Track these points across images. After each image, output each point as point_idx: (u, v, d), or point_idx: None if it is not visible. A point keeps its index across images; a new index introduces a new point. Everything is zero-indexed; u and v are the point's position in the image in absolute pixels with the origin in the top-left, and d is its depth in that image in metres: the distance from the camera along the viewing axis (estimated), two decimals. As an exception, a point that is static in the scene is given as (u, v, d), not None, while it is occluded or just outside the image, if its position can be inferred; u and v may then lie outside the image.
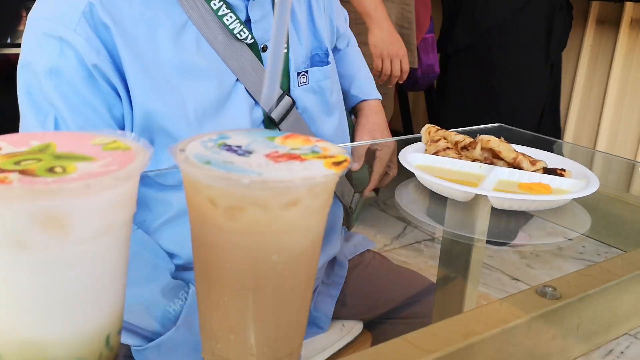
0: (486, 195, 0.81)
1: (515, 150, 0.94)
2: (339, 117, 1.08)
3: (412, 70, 2.11)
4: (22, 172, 0.35)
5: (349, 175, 1.08)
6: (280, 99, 0.94)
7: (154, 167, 0.82)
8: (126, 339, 0.84)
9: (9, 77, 0.89)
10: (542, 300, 0.59)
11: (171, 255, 0.89)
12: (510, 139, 0.98)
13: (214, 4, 0.86)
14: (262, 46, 0.92)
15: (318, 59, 1.03)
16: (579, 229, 0.85)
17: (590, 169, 0.93)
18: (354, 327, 1.16)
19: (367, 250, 1.20)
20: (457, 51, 2.50)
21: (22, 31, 0.89)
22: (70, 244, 0.35)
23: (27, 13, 0.94)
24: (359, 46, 1.35)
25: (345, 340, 1.11)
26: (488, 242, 0.87)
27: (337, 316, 1.13)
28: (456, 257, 0.91)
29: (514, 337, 0.57)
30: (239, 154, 0.39)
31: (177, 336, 0.85)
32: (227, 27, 0.87)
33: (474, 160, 0.94)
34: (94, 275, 0.37)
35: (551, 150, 1.02)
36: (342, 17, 1.23)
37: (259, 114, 0.92)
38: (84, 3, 0.79)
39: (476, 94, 2.51)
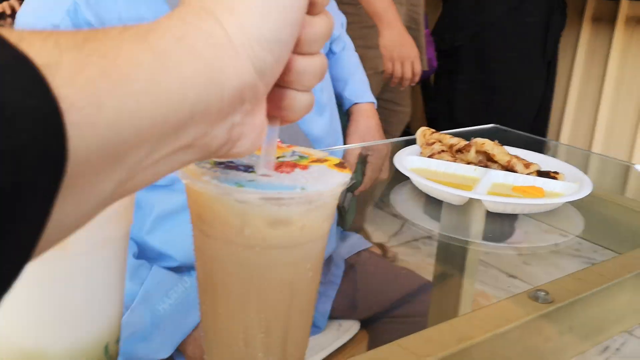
0: (480, 199, 0.82)
1: (509, 153, 0.95)
2: (330, 116, 1.09)
3: None
4: (22, 186, 0.35)
5: None
6: None
7: None
8: None
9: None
10: (534, 304, 0.60)
11: (163, 257, 0.89)
12: (505, 140, 0.99)
13: None
14: None
15: None
16: (572, 231, 0.86)
17: (585, 170, 0.94)
18: (351, 327, 1.17)
19: (364, 251, 1.20)
20: (453, 49, 2.51)
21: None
22: (68, 257, 0.36)
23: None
24: (366, 50, 1.36)
25: (342, 340, 1.12)
26: (482, 250, 0.88)
27: (333, 316, 1.14)
28: (452, 255, 0.92)
29: (507, 341, 0.57)
30: (243, 170, 0.39)
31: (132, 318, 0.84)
32: None
33: (468, 163, 0.94)
34: (92, 287, 0.38)
35: (546, 152, 1.03)
36: (338, 21, 1.24)
37: None
38: (69, 2, 0.80)
39: (472, 92, 2.51)
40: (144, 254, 0.88)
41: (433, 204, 0.89)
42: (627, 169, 1.31)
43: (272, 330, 0.41)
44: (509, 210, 0.84)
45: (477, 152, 0.95)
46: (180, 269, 0.90)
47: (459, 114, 2.51)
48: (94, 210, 0.26)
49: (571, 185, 0.87)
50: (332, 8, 1.18)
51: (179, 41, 0.27)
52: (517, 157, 0.94)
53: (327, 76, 1.12)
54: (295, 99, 0.36)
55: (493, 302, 0.62)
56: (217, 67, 0.29)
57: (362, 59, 1.60)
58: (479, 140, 0.96)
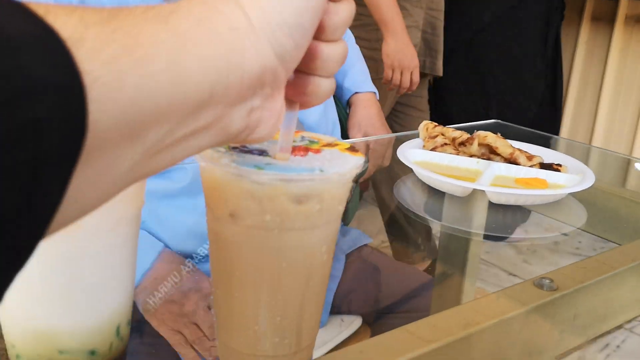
0: (483, 190, 0.82)
1: (512, 145, 0.95)
2: (324, 105, 1.09)
3: None
4: (35, 167, 0.36)
5: None
6: None
7: None
8: None
9: None
10: (539, 292, 0.60)
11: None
12: (507, 135, 0.99)
13: None
14: None
15: None
16: (575, 223, 0.86)
17: (586, 164, 0.94)
18: (353, 322, 1.17)
19: (365, 245, 1.21)
20: (453, 48, 2.51)
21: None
22: (82, 237, 0.36)
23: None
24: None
25: (345, 335, 1.12)
26: (485, 237, 0.88)
27: (336, 311, 1.14)
28: (454, 252, 0.92)
29: (511, 328, 0.58)
30: (258, 154, 0.39)
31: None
32: None
33: (471, 156, 0.95)
34: (105, 268, 0.38)
35: (547, 146, 1.04)
36: None
37: None
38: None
39: (472, 91, 2.52)
40: None
41: (436, 196, 0.89)
42: (627, 162, 1.32)
43: (288, 313, 0.41)
44: (512, 201, 0.84)
45: (480, 144, 0.95)
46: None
47: (459, 114, 2.52)
48: (111, 190, 0.26)
49: (574, 177, 0.88)
50: None
51: (199, 23, 0.28)
52: (519, 149, 0.94)
53: None
54: (320, 85, 0.36)
55: (498, 290, 0.63)
56: (238, 51, 0.29)
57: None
58: (482, 133, 0.96)
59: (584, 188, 0.83)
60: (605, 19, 2.98)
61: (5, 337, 0.40)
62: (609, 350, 2.17)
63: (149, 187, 0.85)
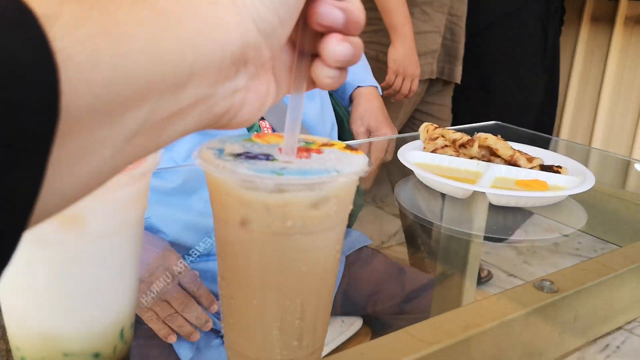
0: (484, 192, 0.83)
1: (512, 147, 0.96)
2: (321, 105, 1.09)
3: None
4: (40, 171, 0.36)
5: None
6: None
7: None
8: None
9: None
10: (539, 293, 0.60)
11: (155, 231, 0.90)
12: (507, 136, 0.99)
13: None
14: None
15: None
16: (575, 225, 0.86)
17: (586, 165, 0.94)
18: (354, 323, 1.17)
19: (365, 247, 1.21)
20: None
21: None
22: (87, 240, 0.37)
23: None
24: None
25: (345, 336, 1.12)
26: (485, 238, 0.88)
27: (336, 312, 1.14)
28: (454, 253, 0.92)
29: (512, 329, 0.58)
30: (265, 159, 0.39)
31: None
32: None
33: (471, 158, 0.95)
34: (109, 270, 0.39)
35: (547, 148, 1.04)
36: None
37: None
38: None
39: (473, 93, 2.52)
40: None
41: (437, 197, 0.89)
42: (626, 164, 1.32)
43: (306, 314, 0.42)
44: (512, 203, 0.84)
45: (480, 146, 0.96)
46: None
47: (459, 116, 2.52)
48: (94, 178, 0.25)
49: (574, 179, 0.88)
50: None
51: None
52: (520, 151, 0.95)
53: None
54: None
55: (499, 291, 0.63)
56: (218, 26, 0.28)
57: None
58: (482, 135, 0.96)
59: (584, 190, 0.83)
60: (605, 19, 2.98)
61: (10, 339, 0.40)
62: (608, 351, 2.17)
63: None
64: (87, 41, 0.22)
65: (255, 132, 1.01)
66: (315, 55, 0.36)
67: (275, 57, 0.33)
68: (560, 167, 0.93)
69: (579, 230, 0.85)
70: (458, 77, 2.06)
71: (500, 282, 2.26)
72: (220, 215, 0.40)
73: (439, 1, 1.91)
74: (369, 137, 1.21)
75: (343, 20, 0.34)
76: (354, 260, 1.18)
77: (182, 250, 0.90)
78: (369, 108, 1.23)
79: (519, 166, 0.92)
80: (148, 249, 0.87)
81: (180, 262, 0.85)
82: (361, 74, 1.27)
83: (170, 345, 0.88)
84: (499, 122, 1.37)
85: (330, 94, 1.26)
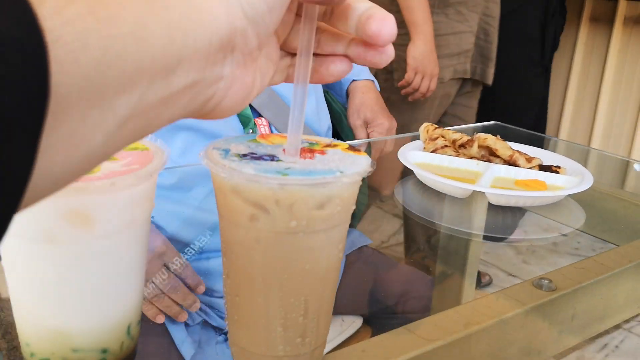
0: (483, 192, 0.84)
1: (511, 148, 0.96)
2: (317, 102, 1.11)
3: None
4: (50, 171, 0.37)
5: None
6: None
7: None
8: None
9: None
10: (538, 292, 0.61)
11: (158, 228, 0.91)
12: (506, 136, 1.00)
13: None
14: None
15: None
16: (573, 224, 0.87)
17: (585, 166, 0.95)
18: (354, 322, 1.18)
19: (365, 247, 1.22)
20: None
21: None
22: (95, 238, 0.37)
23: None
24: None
25: (346, 335, 1.13)
26: (485, 238, 0.89)
27: (336, 311, 1.15)
28: (454, 253, 0.93)
29: (511, 327, 0.59)
30: (270, 160, 0.40)
31: None
32: None
33: (471, 158, 0.96)
34: (117, 268, 0.40)
35: (547, 148, 1.05)
36: None
37: None
38: None
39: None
40: None
41: (436, 197, 0.90)
42: (625, 164, 1.33)
43: (309, 311, 0.42)
44: (511, 202, 0.85)
45: (480, 147, 0.97)
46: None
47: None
48: (85, 163, 0.25)
49: (573, 179, 0.89)
50: None
51: None
52: (519, 151, 0.95)
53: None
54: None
55: (498, 290, 0.64)
56: (207, 12, 0.28)
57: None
58: (482, 135, 0.97)
59: (582, 190, 0.84)
60: (604, 19, 2.99)
61: (20, 336, 0.41)
62: (607, 350, 2.18)
63: None
64: (76, 21, 0.22)
65: (251, 130, 1.02)
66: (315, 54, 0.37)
67: (262, 47, 0.33)
68: (559, 167, 0.94)
69: (577, 229, 0.86)
70: (490, 78, 2.04)
71: (500, 282, 2.26)
72: (226, 214, 0.41)
73: (473, 1, 1.90)
74: (366, 129, 1.21)
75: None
76: (354, 260, 1.19)
77: (179, 245, 0.91)
78: (364, 100, 1.24)
79: (518, 166, 0.93)
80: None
81: (176, 260, 0.86)
82: (356, 68, 1.28)
83: (173, 343, 0.89)
84: (499, 123, 1.38)
85: (326, 90, 1.27)
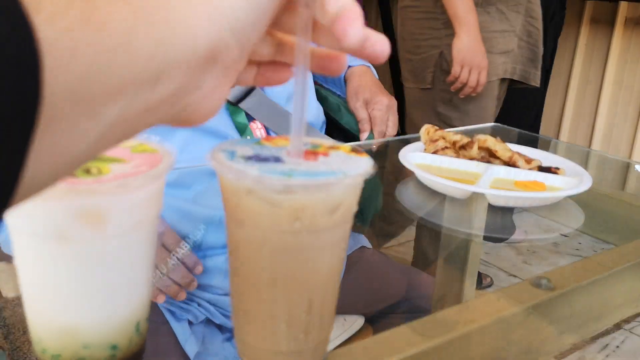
0: (483, 193, 0.85)
1: (510, 149, 0.97)
2: (311, 100, 1.12)
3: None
4: (62, 172, 0.38)
5: None
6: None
7: None
8: None
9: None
10: (537, 291, 0.62)
11: None
12: (506, 138, 1.01)
13: None
14: None
15: None
16: (573, 225, 0.88)
17: (585, 167, 0.96)
18: (355, 321, 1.19)
19: (367, 247, 1.23)
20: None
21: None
22: (107, 237, 0.39)
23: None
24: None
25: (347, 334, 1.14)
26: (485, 238, 0.90)
27: (338, 311, 1.16)
28: (454, 253, 0.94)
29: (510, 325, 0.60)
30: (274, 162, 0.41)
31: None
32: None
33: (471, 159, 0.97)
34: (127, 266, 0.41)
35: (546, 149, 1.06)
36: None
37: None
38: None
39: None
40: None
41: (437, 198, 0.91)
42: (625, 165, 1.34)
43: (313, 309, 0.44)
44: (511, 203, 0.86)
45: (480, 148, 0.98)
46: None
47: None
48: (67, 169, 0.26)
49: (571, 180, 0.90)
50: None
51: None
52: (518, 153, 0.97)
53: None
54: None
55: (497, 286, 0.65)
56: (192, 24, 0.28)
57: None
58: (482, 136, 0.98)
59: (581, 191, 0.85)
60: (605, 21, 3.00)
61: (32, 332, 0.42)
62: (608, 350, 2.18)
63: None
64: (69, 32, 0.23)
65: (248, 137, 1.03)
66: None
67: (242, 59, 0.33)
68: (558, 169, 0.95)
69: (576, 230, 0.87)
70: (532, 80, 2.01)
71: (500, 283, 2.27)
72: (232, 214, 0.42)
73: (515, 0, 1.88)
74: (366, 110, 1.21)
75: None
76: (354, 260, 1.20)
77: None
78: (361, 82, 1.25)
79: (517, 167, 0.94)
80: None
81: (174, 240, 0.87)
82: (352, 56, 1.30)
83: (177, 341, 0.90)
84: (498, 124, 1.39)
85: (320, 85, 1.28)
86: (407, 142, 1.05)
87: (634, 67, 2.91)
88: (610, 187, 1.11)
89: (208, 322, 0.98)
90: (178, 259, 0.86)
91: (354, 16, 0.33)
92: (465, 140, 1.00)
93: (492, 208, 0.88)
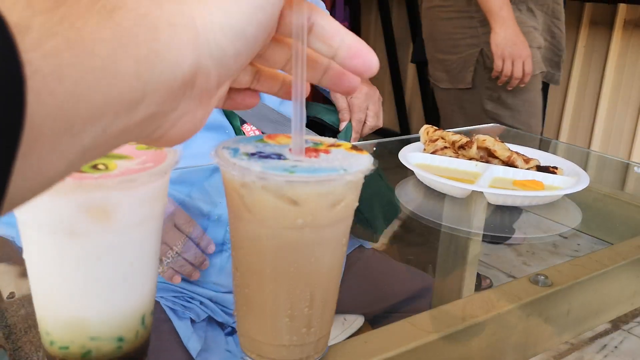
0: (482, 192, 0.86)
1: (509, 149, 0.98)
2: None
3: None
4: (70, 168, 0.39)
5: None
6: None
7: None
8: None
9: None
10: (534, 287, 0.63)
11: None
12: (505, 138, 1.02)
13: None
14: None
15: None
16: (570, 223, 0.89)
17: (584, 168, 0.97)
18: (355, 321, 1.20)
19: (366, 247, 1.23)
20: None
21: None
22: (113, 232, 0.40)
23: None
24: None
25: (347, 333, 1.15)
26: (484, 236, 0.91)
27: (338, 310, 1.17)
28: (454, 251, 0.95)
29: (508, 321, 0.61)
30: (277, 159, 0.42)
31: None
32: None
33: (470, 159, 0.98)
34: (133, 260, 0.42)
35: (545, 150, 1.07)
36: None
37: None
38: None
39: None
40: None
41: (436, 197, 0.92)
42: (624, 166, 1.35)
43: (315, 303, 0.45)
44: (509, 202, 0.87)
45: (479, 148, 0.99)
46: None
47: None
48: (42, 189, 0.26)
49: (569, 179, 0.91)
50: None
51: (142, 19, 0.27)
52: (517, 152, 0.98)
53: None
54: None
55: (496, 285, 0.66)
56: (174, 48, 0.29)
57: None
58: (481, 136, 0.99)
59: (578, 189, 0.86)
60: (604, 23, 3.01)
61: (40, 325, 0.43)
62: (606, 351, 2.19)
63: None
64: (54, 55, 0.23)
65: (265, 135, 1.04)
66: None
67: (220, 87, 0.34)
68: (556, 168, 0.96)
69: (574, 229, 0.88)
70: (553, 80, 2.02)
71: (500, 283, 2.28)
72: (235, 210, 0.43)
73: (543, 0, 1.89)
74: (346, 100, 1.21)
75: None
76: (354, 260, 1.20)
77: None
78: None
79: (516, 167, 0.95)
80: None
81: (185, 220, 0.88)
82: None
83: (179, 339, 0.91)
84: (497, 124, 1.40)
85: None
86: (406, 142, 1.06)
87: (633, 68, 2.92)
88: (609, 187, 1.12)
89: (210, 320, 0.99)
90: (190, 238, 0.87)
91: (367, 49, 0.37)
92: (464, 140, 1.01)
93: (490, 207, 0.89)
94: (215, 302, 0.97)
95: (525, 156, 0.97)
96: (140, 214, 0.41)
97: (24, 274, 0.65)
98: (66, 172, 0.26)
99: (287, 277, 0.43)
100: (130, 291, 0.43)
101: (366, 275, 1.20)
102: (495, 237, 0.87)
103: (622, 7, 2.92)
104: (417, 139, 1.09)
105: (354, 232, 0.47)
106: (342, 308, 1.16)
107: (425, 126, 1.08)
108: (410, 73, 4.08)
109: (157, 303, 0.89)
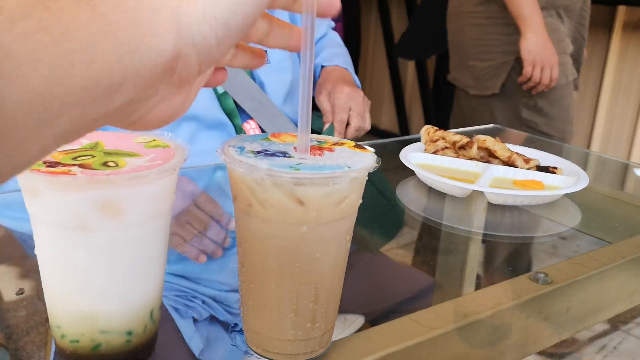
0: (482, 191, 0.87)
1: (509, 149, 0.99)
2: (292, 77, 1.15)
3: None
4: (81, 166, 0.40)
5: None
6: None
7: None
8: None
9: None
10: (534, 285, 0.64)
11: None
12: (505, 138, 1.03)
13: None
14: None
15: None
16: (570, 223, 0.90)
17: (584, 168, 0.98)
18: (356, 320, 1.20)
19: (367, 248, 1.24)
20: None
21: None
22: (124, 227, 0.41)
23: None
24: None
25: (348, 333, 1.15)
26: (484, 236, 0.92)
27: (339, 310, 1.17)
28: (454, 251, 0.96)
29: (509, 318, 0.62)
30: (282, 156, 0.43)
31: None
32: None
33: (471, 159, 0.99)
34: (143, 256, 0.43)
35: (545, 150, 1.08)
36: (324, 23, 1.32)
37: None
38: None
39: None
40: None
41: (437, 197, 0.93)
42: (623, 166, 1.36)
43: (319, 298, 0.46)
44: (509, 202, 0.88)
45: (479, 148, 1.00)
46: None
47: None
48: (14, 173, 0.25)
49: (569, 179, 0.92)
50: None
51: (122, 4, 0.27)
52: (517, 153, 0.98)
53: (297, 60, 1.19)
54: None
55: (497, 283, 0.67)
56: (156, 35, 0.28)
57: None
58: (481, 137, 1.00)
59: (578, 189, 0.87)
60: (603, 25, 3.02)
61: (51, 319, 0.44)
62: (605, 351, 2.20)
63: None
64: (27, 37, 0.22)
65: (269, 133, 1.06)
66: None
67: (201, 74, 0.33)
68: (555, 168, 0.97)
69: (573, 229, 0.88)
70: (577, 86, 2.02)
71: (499, 281, 2.27)
72: (241, 206, 0.44)
73: (572, 6, 1.90)
74: (329, 101, 1.22)
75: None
76: (355, 260, 1.21)
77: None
78: (328, 77, 1.27)
79: (516, 167, 0.96)
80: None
81: (204, 197, 0.89)
82: (327, 54, 1.33)
83: (182, 338, 0.92)
84: (497, 125, 1.41)
85: None
86: (407, 142, 1.07)
87: (632, 70, 2.93)
88: (608, 187, 1.13)
89: (212, 319, 0.99)
90: (212, 217, 0.88)
91: None
92: (465, 140, 1.02)
93: (490, 206, 0.90)
94: (217, 301, 0.98)
95: (525, 156, 0.98)
96: (150, 210, 0.42)
97: (27, 274, 0.65)
98: (39, 157, 0.25)
99: (292, 272, 0.44)
100: (139, 286, 0.44)
101: (366, 275, 1.21)
102: (495, 237, 0.88)
103: (621, 9, 2.92)
104: (418, 140, 1.09)
105: (354, 242, 0.48)
106: (343, 308, 1.17)
107: (426, 126, 1.09)
108: (410, 73, 4.08)
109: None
